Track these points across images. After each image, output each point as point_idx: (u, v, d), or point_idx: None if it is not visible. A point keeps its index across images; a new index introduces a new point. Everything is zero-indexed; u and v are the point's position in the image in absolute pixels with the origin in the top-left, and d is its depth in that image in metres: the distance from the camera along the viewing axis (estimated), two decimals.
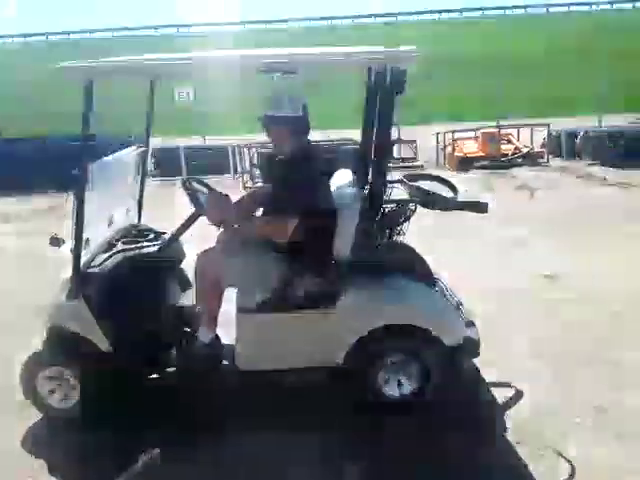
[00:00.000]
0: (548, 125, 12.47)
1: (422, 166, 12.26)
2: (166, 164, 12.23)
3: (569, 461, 2.41)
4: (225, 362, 2.83)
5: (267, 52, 2.89)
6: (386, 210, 2.84)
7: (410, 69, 2.46)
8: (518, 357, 3.29)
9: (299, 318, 2.70)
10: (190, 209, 2.75)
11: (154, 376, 2.89)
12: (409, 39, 12.89)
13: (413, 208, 2.88)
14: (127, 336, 2.72)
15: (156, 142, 14.09)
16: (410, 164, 12.51)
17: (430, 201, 2.90)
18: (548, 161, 11.94)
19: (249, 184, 11.40)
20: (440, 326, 2.72)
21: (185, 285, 3.35)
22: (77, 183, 2.49)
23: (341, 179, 3.09)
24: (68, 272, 2.65)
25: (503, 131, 12.60)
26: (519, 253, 5.33)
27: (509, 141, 12.58)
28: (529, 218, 6.67)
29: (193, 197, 2.72)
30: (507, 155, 11.94)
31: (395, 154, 12.70)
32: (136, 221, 3.44)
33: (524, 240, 5.67)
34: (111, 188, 2.96)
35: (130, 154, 3.27)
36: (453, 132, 12.95)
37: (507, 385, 3.01)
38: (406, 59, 2.51)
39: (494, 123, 13.06)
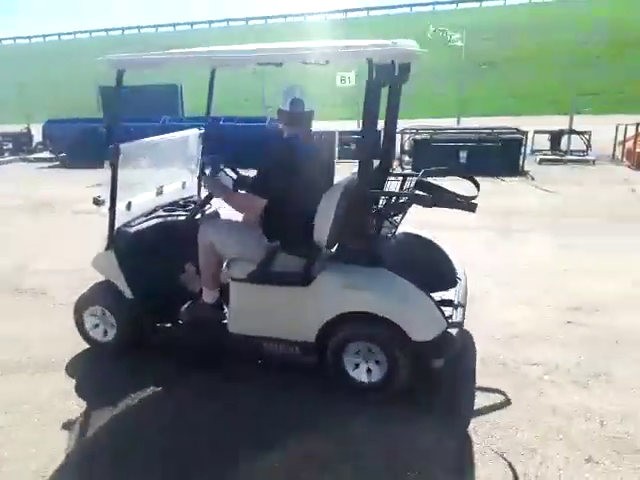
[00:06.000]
0: None
1: (593, 161, 10.62)
2: None
3: None
4: (225, 322, 3.02)
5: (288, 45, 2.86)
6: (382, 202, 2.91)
7: None
8: None
9: (279, 291, 2.81)
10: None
11: (167, 325, 3.19)
12: None
13: (408, 202, 2.82)
14: (145, 288, 3.09)
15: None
16: (580, 157, 10.96)
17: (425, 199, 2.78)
18: None
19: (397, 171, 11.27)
20: (405, 319, 2.61)
21: None
22: (112, 157, 2.86)
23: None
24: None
25: None
26: None
27: None
28: None
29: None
30: None
31: (564, 146, 11.27)
32: (195, 193, 3.77)
33: None
34: (154, 165, 3.36)
35: (183, 136, 3.62)
36: (638, 124, 10.36)
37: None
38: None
39: None
